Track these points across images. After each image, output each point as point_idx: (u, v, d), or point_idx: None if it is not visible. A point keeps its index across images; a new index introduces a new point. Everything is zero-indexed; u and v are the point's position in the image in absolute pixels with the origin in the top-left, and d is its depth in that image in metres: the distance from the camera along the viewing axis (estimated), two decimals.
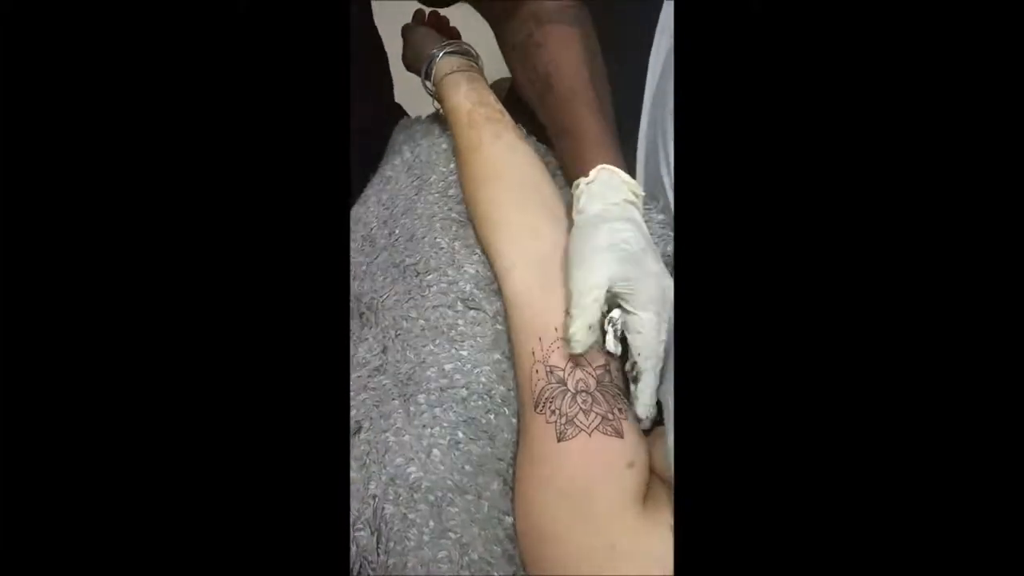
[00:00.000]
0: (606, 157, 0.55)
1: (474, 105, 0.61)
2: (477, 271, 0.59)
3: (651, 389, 0.47)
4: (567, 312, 0.49)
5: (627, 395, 0.50)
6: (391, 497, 0.52)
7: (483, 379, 0.55)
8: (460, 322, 0.58)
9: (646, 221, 0.61)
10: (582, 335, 0.47)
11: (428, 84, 0.65)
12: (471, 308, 0.58)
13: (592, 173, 0.54)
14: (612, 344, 0.49)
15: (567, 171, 0.59)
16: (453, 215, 0.63)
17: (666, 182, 0.64)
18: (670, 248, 0.62)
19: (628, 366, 0.49)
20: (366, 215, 0.68)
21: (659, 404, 0.52)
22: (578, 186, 0.55)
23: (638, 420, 0.49)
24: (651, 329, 0.48)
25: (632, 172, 0.69)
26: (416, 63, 0.68)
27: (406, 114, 0.82)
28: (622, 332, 0.49)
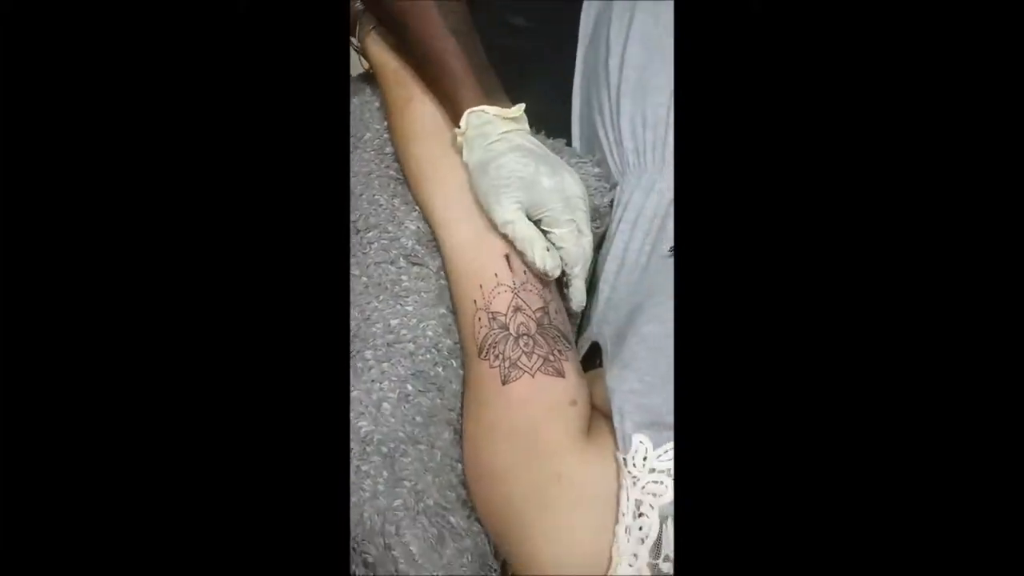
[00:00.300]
0: (474, 98, 0.55)
1: (401, 62, 0.61)
2: (418, 227, 0.60)
3: (581, 288, 0.54)
4: (520, 254, 0.52)
5: (566, 337, 0.52)
6: None
7: (429, 333, 0.56)
8: (404, 278, 0.58)
9: (583, 175, 0.62)
10: (547, 259, 0.51)
11: (354, 41, 0.65)
12: (414, 264, 0.59)
13: (462, 123, 0.55)
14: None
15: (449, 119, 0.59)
16: (391, 172, 0.63)
17: (600, 134, 0.65)
18: (607, 199, 0.64)
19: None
20: None
21: (598, 345, 0.54)
22: (456, 139, 0.56)
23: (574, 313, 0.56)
24: (569, 240, 0.52)
25: (567, 128, 0.70)
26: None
27: None
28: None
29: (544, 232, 0.52)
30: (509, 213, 0.51)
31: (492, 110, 0.55)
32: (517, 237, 0.51)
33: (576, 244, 0.52)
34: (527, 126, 0.57)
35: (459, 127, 0.55)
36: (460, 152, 0.56)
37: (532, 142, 0.56)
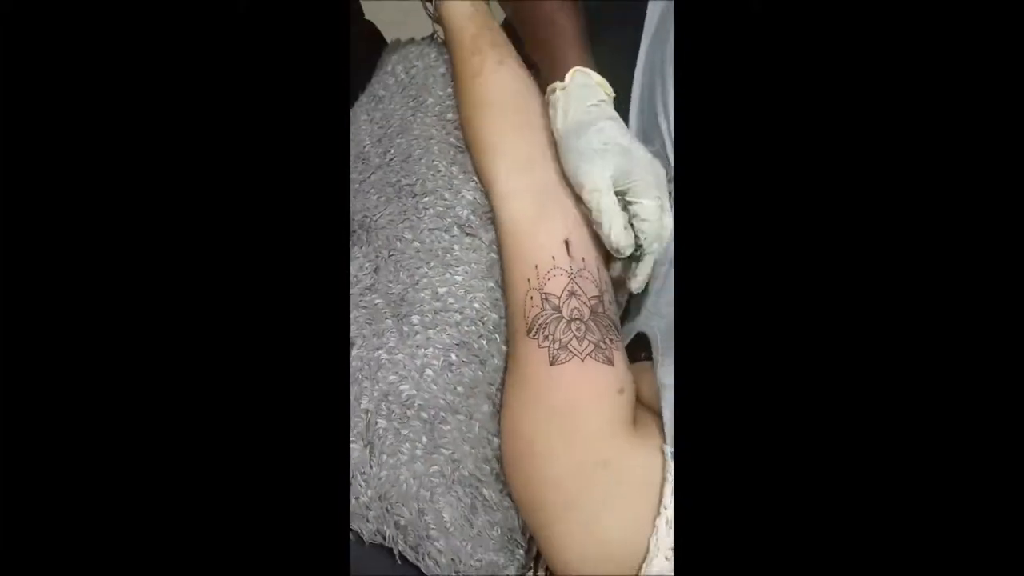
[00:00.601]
0: (579, 59, 0.56)
1: (479, 30, 0.60)
2: (474, 198, 0.60)
3: (649, 268, 0.53)
4: (596, 224, 0.52)
5: (616, 327, 0.52)
6: (384, 412, 0.53)
7: (476, 305, 0.57)
8: (456, 247, 0.59)
9: None
10: (623, 237, 0.51)
11: (429, 6, 0.64)
12: (467, 234, 0.59)
13: (567, 77, 0.55)
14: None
15: (544, 79, 0.59)
16: (451, 140, 0.63)
17: (663, 127, 0.65)
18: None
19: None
20: (357, 133, 0.68)
21: (646, 337, 0.54)
22: (554, 91, 0.56)
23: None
24: (654, 214, 0.51)
25: (625, 116, 0.70)
26: None
27: (379, 32, 0.80)
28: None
29: (629, 203, 0.52)
30: (600, 181, 0.51)
31: (596, 76, 0.55)
32: (601, 208, 0.51)
33: (659, 221, 0.52)
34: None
35: (562, 80, 0.55)
36: (551, 109, 0.56)
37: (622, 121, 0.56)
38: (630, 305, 0.59)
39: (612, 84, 0.69)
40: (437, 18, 0.64)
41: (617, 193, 0.52)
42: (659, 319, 0.54)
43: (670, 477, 0.44)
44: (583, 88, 0.55)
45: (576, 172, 0.52)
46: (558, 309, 0.51)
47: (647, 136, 0.68)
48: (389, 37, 0.77)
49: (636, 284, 0.53)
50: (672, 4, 0.68)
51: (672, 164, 0.64)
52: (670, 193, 0.54)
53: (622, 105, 0.71)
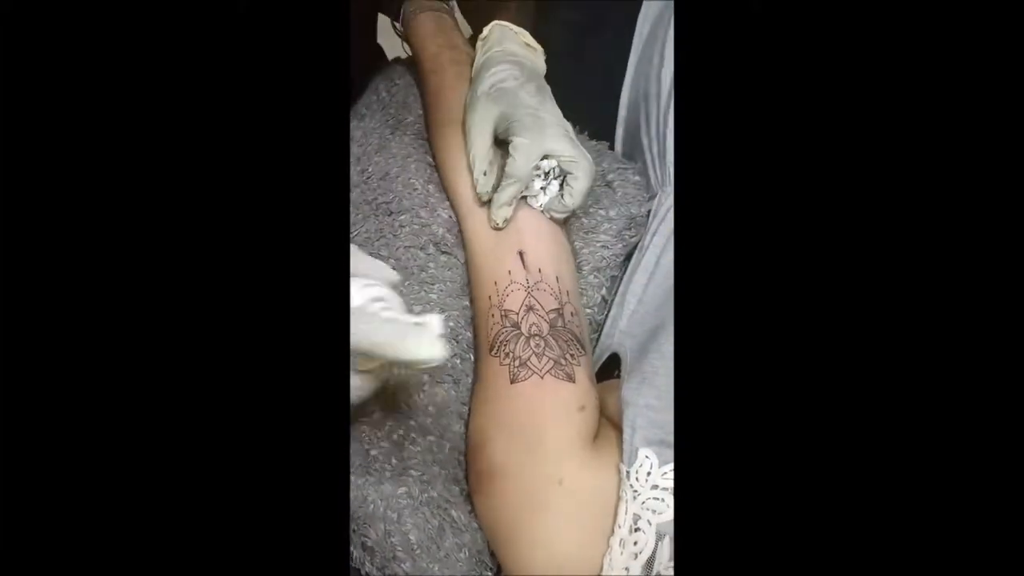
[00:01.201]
0: (504, 16, 0.58)
1: (439, 48, 0.60)
2: (450, 216, 0.59)
3: (505, 199, 0.52)
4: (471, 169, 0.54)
5: (580, 341, 0.51)
6: (353, 433, 0.53)
7: (451, 323, 0.56)
8: (431, 265, 0.58)
9: (622, 182, 0.61)
10: (481, 183, 0.53)
11: (397, 25, 0.64)
12: (443, 252, 0.59)
13: (485, 30, 0.57)
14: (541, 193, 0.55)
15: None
16: (428, 159, 0.62)
17: (644, 143, 0.64)
18: (644, 209, 0.62)
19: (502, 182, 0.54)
20: None
21: (617, 356, 0.52)
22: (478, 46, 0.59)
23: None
24: (521, 153, 0.51)
25: (611, 131, 0.69)
26: (386, 2, 0.66)
27: (384, 55, 0.81)
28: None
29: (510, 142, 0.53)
30: (479, 125, 0.53)
31: (515, 28, 0.57)
32: (473, 153, 0.53)
33: (525, 161, 0.51)
34: (541, 63, 0.59)
35: (482, 33, 0.58)
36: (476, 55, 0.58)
37: (533, 69, 0.57)
38: (606, 325, 0.58)
39: (599, 108, 0.68)
40: (405, 36, 0.64)
41: (500, 138, 0.53)
42: (632, 339, 0.53)
43: (625, 495, 0.43)
44: (497, 37, 0.57)
45: (467, 119, 0.54)
46: (517, 325, 0.50)
47: (631, 152, 0.66)
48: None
49: (493, 216, 0.53)
50: (656, 29, 0.67)
51: (655, 180, 0.62)
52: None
53: (609, 125, 0.71)
